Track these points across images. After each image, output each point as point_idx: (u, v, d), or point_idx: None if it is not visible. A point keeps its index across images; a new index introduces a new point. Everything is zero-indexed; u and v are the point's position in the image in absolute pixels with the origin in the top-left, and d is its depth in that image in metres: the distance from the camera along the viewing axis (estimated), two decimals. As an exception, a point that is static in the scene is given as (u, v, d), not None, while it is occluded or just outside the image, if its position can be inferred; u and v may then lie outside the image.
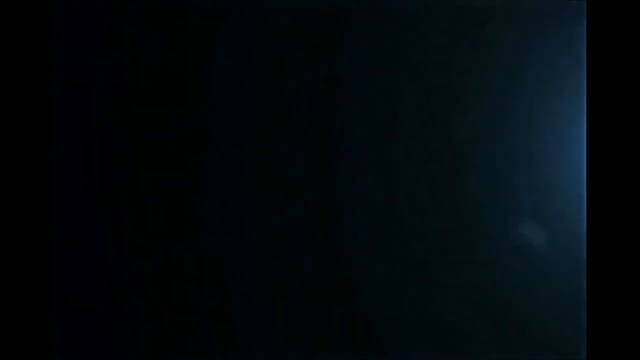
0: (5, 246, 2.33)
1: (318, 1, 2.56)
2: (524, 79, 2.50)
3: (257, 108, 2.54)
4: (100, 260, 2.52)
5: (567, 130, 2.48)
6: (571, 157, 2.46)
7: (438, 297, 2.52)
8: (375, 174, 2.52)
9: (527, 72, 2.50)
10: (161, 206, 2.54)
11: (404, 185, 2.51)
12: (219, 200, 2.54)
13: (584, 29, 2.40)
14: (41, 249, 2.35)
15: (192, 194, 2.54)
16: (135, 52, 2.54)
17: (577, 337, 2.46)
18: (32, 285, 2.33)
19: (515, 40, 2.50)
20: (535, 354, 2.49)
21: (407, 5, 2.55)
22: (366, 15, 2.55)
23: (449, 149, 2.52)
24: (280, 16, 2.55)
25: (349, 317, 2.53)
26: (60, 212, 2.49)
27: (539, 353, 2.49)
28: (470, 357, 2.52)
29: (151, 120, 2.54)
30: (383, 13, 2.55)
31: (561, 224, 2.49)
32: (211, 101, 2.53)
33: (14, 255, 2.33)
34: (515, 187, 2.50)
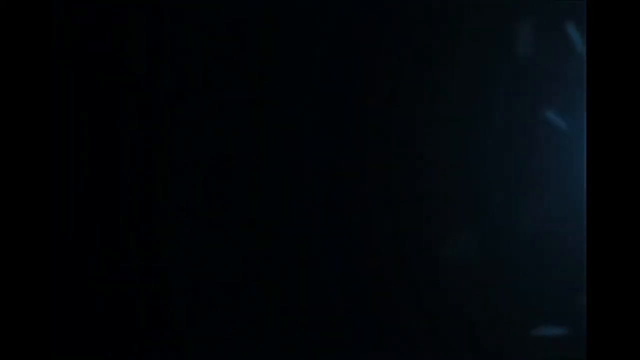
0: (5, 246, 2.33)
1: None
2: (524, 78, 2.50)
3: (257, 106, 2.54)
4: (99, 261, 2.53)
5: (567, 130, 2.48)
6: (571, 157, 2.46)
7: (436, 298, 2.51)
8: (374, 170, 2.52)
9: (527, 71, 2.50)
10: (159, 205, 2.54)
11: (402, 185, 2.51)
12: (217, 199, 2.54)
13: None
14: (40, 249, 2.35)
15: (192, 194, 2.54)
16: (134, 51, 2.54)
17: (576, 338, 2.46)
18: (31, 286, 2.33)
19: (515, 39, 2.50)
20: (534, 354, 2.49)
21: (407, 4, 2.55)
22: (367, 13, 2.54)
23: (447, 149, 2.52)
24: (278, 14, 2.54)
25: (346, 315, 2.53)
26: (57, 212, 2.49)
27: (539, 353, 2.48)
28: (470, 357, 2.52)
29: (150, 118, 2.54)
30: (384, 10, 2.55)
31: (561, 225, 2.49)
32: (210, 99, 2.53)
33: (13, 255, 2.33)
34: (515, 187, 2.50)
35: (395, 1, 2.52)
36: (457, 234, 2.48)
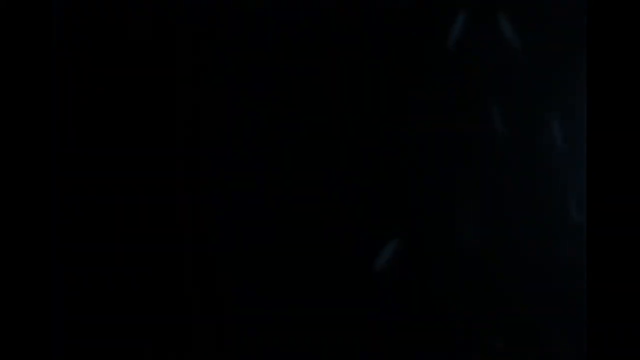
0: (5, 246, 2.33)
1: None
2: (524, 77, 2.49)
3: (255, 106, 2.54)
4: (102, 262, 2.53)
5: (567, 130, 2.48)
6: (571, 157, 2.46)
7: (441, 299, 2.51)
8: (381, 170, 2.51)
9: (527, 70, 2.49)
10: (162, 204, 2.54)
11: (403, 186, 2.51)
12: (220, 200, 2.54)
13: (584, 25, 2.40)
14: (41, 249, 2.35)
15: (193, 194, 2.54)
16: (135, 50, 2.54)
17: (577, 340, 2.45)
18: (31, 286, 2.33)
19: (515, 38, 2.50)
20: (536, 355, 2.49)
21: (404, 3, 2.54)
22: (363, 12, 2.54)
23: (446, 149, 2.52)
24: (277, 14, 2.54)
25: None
26: (59, 211, 2.49)
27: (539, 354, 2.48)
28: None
29: (152, 118, 2.54)
30: (381, 10, 2.54)
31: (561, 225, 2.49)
32: (211, 99, 2.53)
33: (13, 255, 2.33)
34: (515, 187, 2.49)
35: None
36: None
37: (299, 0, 2.50)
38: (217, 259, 2.53)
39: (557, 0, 2.49)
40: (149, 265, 2.54)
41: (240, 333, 2.51)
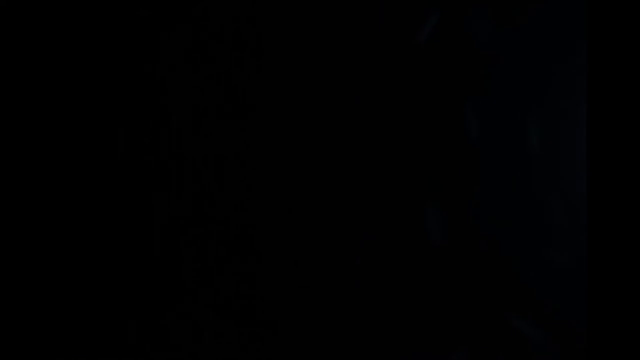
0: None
1: None
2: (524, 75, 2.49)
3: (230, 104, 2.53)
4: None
5: (567, 130, 2.48)
6: (571, 157, 2.45)
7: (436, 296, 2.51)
8: (380, 170, 2.50)
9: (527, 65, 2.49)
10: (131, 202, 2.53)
11: (402, 185, 2.50)
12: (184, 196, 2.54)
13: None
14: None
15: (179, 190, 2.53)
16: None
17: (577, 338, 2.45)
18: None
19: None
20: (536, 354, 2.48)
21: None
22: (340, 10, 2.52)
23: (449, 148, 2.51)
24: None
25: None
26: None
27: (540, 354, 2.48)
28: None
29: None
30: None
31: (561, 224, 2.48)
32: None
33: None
34: (515, 187, 2.49)
35: None
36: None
37: None
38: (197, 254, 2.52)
39: (550, 2, 2.48)
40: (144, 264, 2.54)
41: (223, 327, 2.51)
